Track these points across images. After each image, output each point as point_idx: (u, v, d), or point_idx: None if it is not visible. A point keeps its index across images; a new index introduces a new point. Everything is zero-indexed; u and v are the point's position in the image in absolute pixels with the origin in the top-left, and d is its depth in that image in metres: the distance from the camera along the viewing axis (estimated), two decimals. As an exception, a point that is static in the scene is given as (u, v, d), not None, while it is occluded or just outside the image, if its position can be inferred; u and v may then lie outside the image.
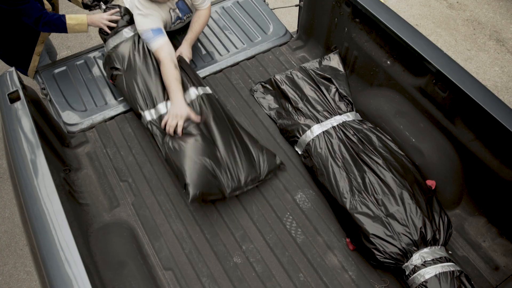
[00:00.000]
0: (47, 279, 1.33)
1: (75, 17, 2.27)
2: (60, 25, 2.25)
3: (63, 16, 2.26)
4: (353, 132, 2.07)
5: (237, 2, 2.93)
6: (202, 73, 2.55)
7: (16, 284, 2.61)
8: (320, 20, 2.59)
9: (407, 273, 1.72)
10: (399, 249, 1.71)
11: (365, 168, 1.93)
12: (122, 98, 2.42)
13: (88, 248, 1.78)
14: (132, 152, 2.20)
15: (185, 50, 2.38)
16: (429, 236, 1.73)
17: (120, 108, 2.38)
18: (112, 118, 2.35)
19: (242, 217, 1.99)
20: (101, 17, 2.32)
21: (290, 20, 3.99)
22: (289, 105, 2.29)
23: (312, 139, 2.08)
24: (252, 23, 2.82)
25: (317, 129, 2.10)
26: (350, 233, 1.86)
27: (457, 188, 2.02)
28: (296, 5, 2.83)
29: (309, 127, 2.13)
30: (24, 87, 1.89)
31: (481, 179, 1.93)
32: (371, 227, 1.76)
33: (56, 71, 2.51)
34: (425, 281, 1.65)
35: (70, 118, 2.32)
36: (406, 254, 1.72)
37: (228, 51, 2.67)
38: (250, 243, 1.91)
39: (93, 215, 1.97)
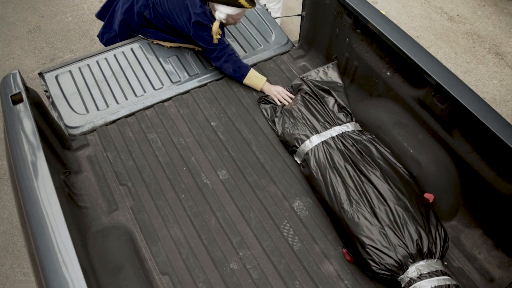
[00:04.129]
0: (44, 281, 1.33)
1: (255, 77, 2.44)
2: (239, 76, 2.45)
3: (247, 70, 2.43)
4: (352, 142, 2.09)
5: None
6: (204, 80, 2.58)
7: (13, 286, 2.60)
8: (321, 30, 2.62)
9: (402, 285, 1.72)
10: (395, 260, 1.71)
11: (363, 178, 1.94)
12: (123, 102, 2.44)
13: (86, 251, 1.78)
14: (132, 157, 2.22)
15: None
16: (425, 249, 1.73)
17: (122, 113, 2.40)
18: (113, 122, 2.37)
19: (239, 223, 2.00)
20: (278, 90, 2.43)
21: (292, 29, 4.03)
22: (289, 115, 2.32)
23: (311, 149, 2.11)
24: (254, 31, 2.84)
25: (316, 140, 2.13)
26: (347, 242, 1.87)
27: (454, 199, 2.03)
28: (298, 15, 2.86)
29: (308, 137, 2.17)
30: (27, 89, 1.91)
31: (478, 191, 1.94)
32: (367, 237, 1.77)
33: (59, 74, 2.53)
34: None
35: (72, 121, 2.34)
36: (402, 266, 1.71)
37: (230, 59, 2.69)
38: (247, 249, 1.92)
39: (91, 218, 1.98)
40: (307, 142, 2.13)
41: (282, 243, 1.94)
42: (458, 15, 4.40)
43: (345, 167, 1.98)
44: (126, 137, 2.30)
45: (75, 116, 2.36)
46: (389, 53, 2.19)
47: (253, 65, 2.67)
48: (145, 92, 2.50)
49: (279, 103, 2.40)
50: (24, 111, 1.79)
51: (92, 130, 2.33)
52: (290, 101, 2.39)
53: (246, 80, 2.46)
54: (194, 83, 2.56)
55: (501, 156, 1.75)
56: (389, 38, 2.06)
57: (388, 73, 2.24)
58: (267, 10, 3.00)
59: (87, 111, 2.39)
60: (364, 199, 1.88)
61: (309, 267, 1.87)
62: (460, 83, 1.87)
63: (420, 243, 1.73)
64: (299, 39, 2.88)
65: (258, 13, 2.95)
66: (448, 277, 1.71)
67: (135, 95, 2.48)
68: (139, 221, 1.99)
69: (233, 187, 2.12)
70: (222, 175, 2.16)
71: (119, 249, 1.84)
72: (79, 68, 2.57)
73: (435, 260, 1.74)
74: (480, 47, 4.09)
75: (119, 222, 1.99)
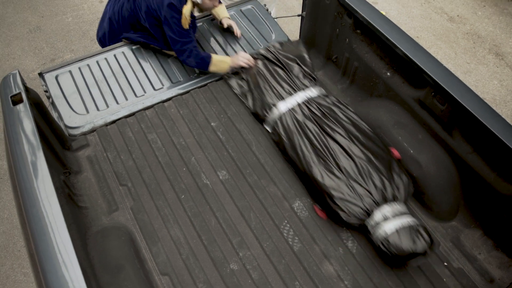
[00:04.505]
0: (44, 281, 1.33)
1: (219, 60, 2.44)
2: (204, 66, 2.44)
3: (210, 57, 2.41)
4: (317, 106, 2.18)
5: (240, 10, 2.97)
6: (204, 80, 2.58)
7: (13, 286, 2.60)
8: (321, 31, 2.62)
9: (370, 229, 1.87)
10: (361, 208, 1.87)
11: (328, 139, 2.06)
12: (123, 102, 2.44)
13: (85, 251, 1.78)
14: (132, 157, 2.22)
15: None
16: (389, 195, 1.89)
17: (122, 113, 2.40)
18: (113, 122, 2.37)
19: (239, 224, 2.00)
20: (241, 59, 2.47)
21: (293, 29, 4.03)
22: (256, 86, 2.37)
23: (279, 116, 2.20)
24: (255, 31, 2.85)
25: (283, 106, 2.21)
26: (317, 199, 2.00)
27: (454, 200, 2.03)
28: (298, 15, 2.86)
29: (275, 105, 2.24)
30: (27, 89, 1.91)
31: (478, 192, 1.94)
32: (335, 190, 1.91)
33: (59, 74, 2.53)
34: (387, 235, 1.79)
35: (72, 121, 2.34)
36: (369, 213, 1.87)
37: (230, 59, 2.69)
38: (247, 250, 1.92)
39: (91, 218, 1.98)
40: (274, 110, 2.23)
41: (282, 244, 1.94)
42: (458, 16, 4.40)
43: (312, 129, 2.10)
44: (126, 138, 2.30)
45: (75, 116, 2.36)
46: (389, 54, 2.19)
47: (253, 66, 2.67)
48: (145, 92, 2.50)
49: (247, 66, 2.46)
50: (24, 111, 1.79)
51: (92, 130, 2.33)
52: (253, 60, 2.46)
53: (212, 67, 2.45)
54: (194, 84, 2.56)
55: (501, 157, 1.75)
56: (389, 38, 2.06)
57: (388, 74, 2.24)
58: (267, 10, 3.00)
59: (87, 111, 2.39)
60: (330, 157, 2.00)
61: (309, 268, 1.87)
62: (460, 83, 1.87)
63: (383, 190, 1.89)
64: (299, 39, 2.88)
65: (258, 13, 2.95)
66: (411, 218, 1.85)
67: (135, 95, 2.48)
68: (139, 222, 1.99)
69: (233, 188, 2.12)
70: (222, 176, 2.16)
71: (119, 250, 1.84)
72: (79, 68, 2.57)
73: (399, 204, 1.89)
74: (480, 47, 4.09)
75: (119, 222, 1.99)
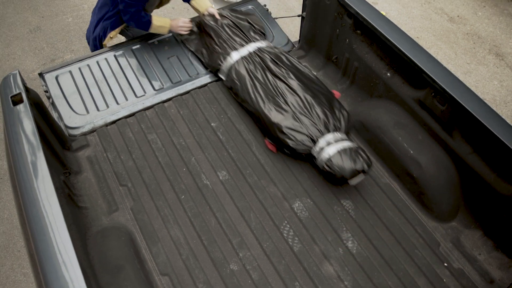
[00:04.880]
0: (44, 281, 1.33)
1: (160, 20, 2.52)
2: (145, 25, 2.50)
3: (150, 16, 2.49)
4: (266, 54, 2.41)
5: (241, 10, 2.96)
6: (204, 80, 2.58)
7: (13, 286, 2.60)
8: (322, 31, 2.62)
9: (315, 155, 2.07)
10: (307, 136, 2.10)
11: (276, 80, 2.30)
12: (124, 102, 2.44)
13: (85, 252, 1.78)
14: (132, 157, 2.22)
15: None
16: (331, 125, 2.13)
17: (122, 113, 2.40)
18: (113, 122, 2.37)
19: (239, 224, 2.00)
20: (180, 24, 2.57)
21: (293, 29, 4.03)
22: (212, 41, 2.54)
23: (232, 64, 2.40)
24: (255, 32, 2.84)
25: (235, 55, 2.43)
26: (268, 133, 2.22)
27: (454, 200, 2.03)
28: (298, 15, 2.86)
29: (229, 54, 2.45)
30: (27, 89, 1.91)
31: (478, 192, 1.94)
32: (283, 121, 2.14)
33: (59, 74, 2.53)
34: (330, 157, 2.01)
35: (72, 122, 2.34)
36: (313, 140, 2.09)
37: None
38: (247, 250, 1.92)
39: (91, 218, 1.98)
40: (228, 59, 2.43)
41: (282, 244, 1.94)
42: (458, 16, 4.41)
43: (262, 73, 2.33)
44: (126, 138, 2.30)
45: (75, 117, 2.36)
46: (390, 54, 2.19)
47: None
48: (145, 92, 2.50)
49: (185, 33, 2.64)
50: (24, 111, 1.79)
51: (92, 131, 2.33)
52: (191, 27, 2.63)
53: (152, 31, 2.54)
54: (194, 84, 2.56)
55: (501, 157, 1.75)
56: (389, 39, 2.07)
57: (388, 74, 2.24)
58: (268, 10, 3.00)
59: (87, 112, 2.39)
60: (279, 94, 2.24)
61: (309, 268, 1.87)
62: (460, 84, 1.87)
63: (326, 120, 2.13)
64: (299, 40, 2.88)
65: (258, 13, 2.95)
66: (352, 142, 2.09)
67: (135, 95, 2.48)
68: (139, 222, 1.99)
69: (233, 188, 2.12)
70: (222, 176, 2.16)
71: (119, 250, 1.84)
72: (79, 69, 2.57)
73: (340, 133, 2.13)
74: (480, 48, 4.09)
75: (119, 222, 1.99)
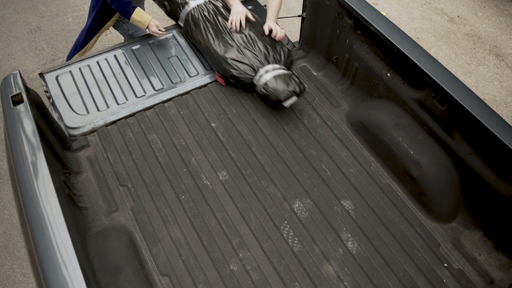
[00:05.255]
0: (44, 281, 1.33)
1: (142, 14, 2.62)
2: (126, 12, 2.60)
3: (133, 8, 2.60)
4: (220, 2, 2.64)
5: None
6: (204, 80, 2.58)
7: (13, 286, 2.60)
8: (322, 31, 2.62)
9: (256, 83, 2.36)
10: (249, 66, 2.38)
11: (226, 22, 2.53)
12: (124, 102, 2.44)
13: (85, 252, 1.78)
14: (133, 157, 2.22)
15: (272, 25, 2.57)
16: (271, 58, 2.41)
17: (122, 113, 2.40)
18: (113, 122, 2.37)
19: (239, 224, 2.00)
20: (153, 27, 2.65)
21: (293, 30, 4.03)
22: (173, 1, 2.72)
23: (189, 11, 2.62)
24: (255, 32, 2.84)
25: (193, 3, 2.63)
26: (216, 65, 2.48)
27: (454, 201, 2.03)
28: (298, 16, 2.86)
29: (186, 3, 2.64)
30: (27, 89, 1.91)
31: (478, 193, 1.94)
32: (228, 54, 2.42)
33: (59, 74, 2.54)
34: (266, 81, 2.29)
35: (72, 122, 2.34)
36: (254, 70, 2.37)
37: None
38: (247, 251, 1.92)
39: (91, 219, 1.98)
40: (186, 6, 2.65)
41: (282, 244, 1.94)
42: (458, 16, 4.41)
43: (214, 17, 2.57)
44: (126, 138, 2.30)
45: (76, 117, 2.36)
46: (390, 55, 2.19)
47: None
48: (145, 92, 2.50)
49: (158, 36, 2.71)
50: (24, 111, 1.79)
51: (93, 131, 2.33)
52: (162, 33, 2.71)
53: (132, 21, 2.62)
54: (194, 84, 2.56)
55: (501, 158, 1.75)
56: (390, 39, 2.07)
57: (389, 75, 2.24)
58: (268, 11, 3.00)
59: (88, 112, 2.39)
60: (226, 32, 2.49)
61: (309, 269, 1.87)
62: (461, 84, 1.87)
63: (266, 53, 2.41)
64: (299, 40, 2.88)
65: (258, 13, 2.95)
66: (287, 71, 2.37)
67: (136, 95, 2.49)
68: (139, 222, 1.99)
69: (233, 188, 2.12)
70: (222, 176, 2.16)
71: (119, 250, 1.84)
72: (80, 69, 2.57)
73: (280, 65, 2.41)
74: (480, 48, 4.09)
75: (119, 223, 1.99)
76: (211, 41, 2.50)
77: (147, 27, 2.65)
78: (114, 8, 2.59)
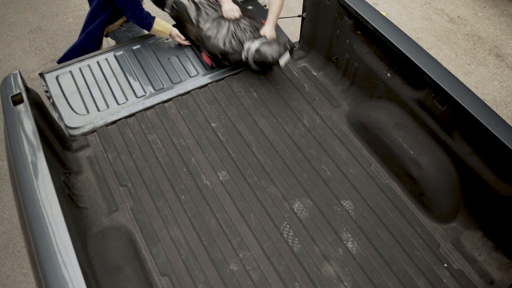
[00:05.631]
0: (44, 281, 1.33)
1: (163, 24, 2.62)
2: (147, 24, 2.58)
3: (153, 18, 2.58)
4: None
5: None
6: (204, 81, 2.58)
7: (13, 286, 2.60)
8: (322, 31, 2.62)
9: (246, 55, 2.48)
10: (236, 40, 2.49)
11: (212, 5, 2.60)
12: (124, 102, 2.44)
13: (85, 252, 1.78)
14: (133, 157, 2.22)
15: (268, 30, 2.60)
16: (257, 34, 2.51)
17: (122, 113, 2.40)
18: (113, 122, 2.37)
19: (239, 224, 2.00)
20: (177, 34, 2.68)
21: (293, 30, 4.03)
22: None
23: None
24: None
25: None
26: (204, 46, 2.56)
27: (454, 201, 2.03)
28: (298, 16, 2.86)
29: None
30: (27, 89, 1.91)
31: (478, 193, 1.94)
32: (216, 34, 2.50)
33: (60, 74, 2.54)
34: (257, 48, 2.41)
35: (72, 122, 2.34)
36: (242, 45, 2.49)
37: (231, 60, 2.70)
38: (247, 251, 1.92)
39: (91, 219, 1.98)
40: None
41: (282, 245, 1.94)
42: (458, 17, 4.41)
43: (201, 2, 2.61)
44: (127, 138, 2.30)
45: (76, 117, 2.37)
46: (390, 55, 2.19)
47: (254, 66, 2.68)
48: (145, 92, 2.50)
49: (182, 43, 2.76)
50: (24, 111, 1.79)
51: (93, 131, 2.33)
52: (187, 42, 2.78)
53: (152, 32, 2.62)
54: (194, 84, 2.56)
55: (501, 158, 1.75)
56: (390, 39, 2.07)
57: (389, 75, 2.24)
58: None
59: (88, 112, 2.39)
60: (216, 18, 2.53)
61: (309, 269, 1.87)
62: (461, 84, 1.87)
63: (252, 31, 2.51)
64: (299, 40, 2.88)
65: (258, 14, 2.95)
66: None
67: (136, 95, 2.49)
68: (139, 222, 1.99)
69: (233, 188, 2.12)
70: (222, 176, 2.16)
71: (119, 250, 1.84)
72: (80, 69, 2.57)
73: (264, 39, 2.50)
74: (480, 48, 4.09)
75: (119, 223, 1.99)
76: (202, 25, 2.56)
77: (168, 36, 2.65)
78: (135, 22, 2.56)
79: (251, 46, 2.45)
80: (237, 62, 2.57)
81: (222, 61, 2.59)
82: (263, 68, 2.55)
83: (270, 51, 2.38)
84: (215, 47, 2.51)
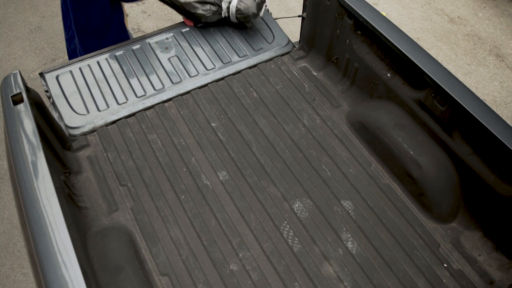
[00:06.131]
0: (44, 281, 1.34)
1: None
2: None
3: None
4: None
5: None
6: (204, 80, 2.58)
7: (13, 286, 2.61)
8: (322, 31, 2.62)
9: (226, 14, 2.69)
10: (212, 4, 2.67)
11: None
12: (124, 102, 2.44)
13: (85, 252, 1.79)
14: (133, 157, 2.22)
15: None
16: None
17: (122, 113, 2.40)
18: (113, 122, 2.37)
19: (239, 224, 2.00)
20: None
21: (293, 30, 4.03)
22: None
23: None
24: (255, 32, 2.85)
25: None
26: (184, 12, 2.71)
27: (454, 201, 2.03)
28: (299, 16, 2.86)
29: None
30: (27, 89, 1.91)
31: (478, 193, 1.94)
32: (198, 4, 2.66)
33: (60, 74, 2.54)
34: (237, 9, 2.63)
35: (72, 121, 2.34)
36: (219, 6, 2.67)
37: (231, 60, 2.70)
38: (247, 251, 1.92)
39: (91, 218, 1.98)
40: None
41: (282, 245, 1.95)
42: (458, 17, 4.41)
43: None
44: (127, 138, 2.30)
45: (76, 117, 2.37)
46: (390, 55, 2.19)
47: (254, 66, 2.67)
48: (145, 92, 2.50)
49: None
50: (24, 111, 1.79)
51: (93, 131, 2.33)
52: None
53: None
54: (194, 84, 2.56)
55: (501, 158, 1.75)
56: (390, 39, 2.07)
57: (389, 75, 2.24)
58: (268, 11, 3.00)
59: (88, 112, 2.39)
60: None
61: (308, 269, 1.87)
62: (461, 84, 1.87)
63: None
64: (299, 40, 2.88)
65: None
66: None
67: (136, 95, 2.49)
68: (139, 222, 1.99)
69: (233, 188, 2.12)
70: (222, 176, 2.16)
71: (118, 250, 1.85)
72: (80, 69, 2.58)
73: None
74: (480, 48, 4.09)
75: (119, 222, 1.99)
76: (193, 7, 2.69)
77: None
78: None
79: (230, 7, 2.66)
80: (218, 21, 2.76)
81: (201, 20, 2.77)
82: (245, 21, 2.77)
83: (249, 9, 2.64)
84: (194, 8, 2.67)
